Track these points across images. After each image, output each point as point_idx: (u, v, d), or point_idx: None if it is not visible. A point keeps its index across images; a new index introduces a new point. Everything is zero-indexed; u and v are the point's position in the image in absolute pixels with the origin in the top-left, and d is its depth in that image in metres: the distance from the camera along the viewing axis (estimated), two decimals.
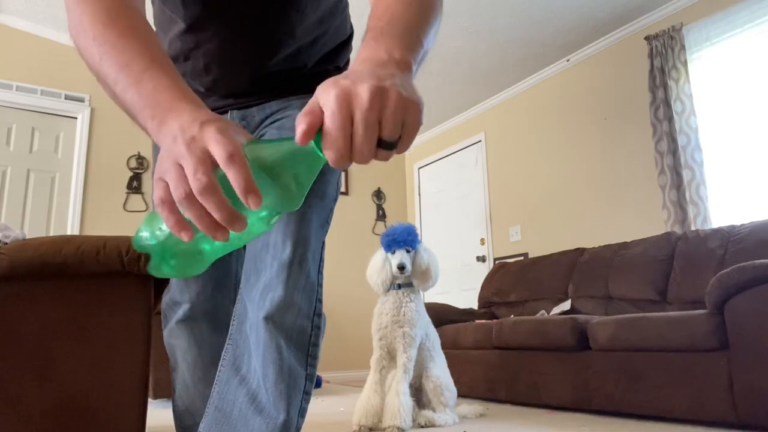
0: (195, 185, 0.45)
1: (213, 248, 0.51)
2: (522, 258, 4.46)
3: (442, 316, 3.70)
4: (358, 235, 5.57)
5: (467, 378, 3.33)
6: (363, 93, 0.46)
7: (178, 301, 1.09)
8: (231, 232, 0.48)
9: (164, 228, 0.49)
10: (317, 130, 0.46)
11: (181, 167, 0.47)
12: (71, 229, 4.16)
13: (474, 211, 5.14)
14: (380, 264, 2.56)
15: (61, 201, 4.22)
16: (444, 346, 2.85)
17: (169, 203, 0.48)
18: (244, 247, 0.97)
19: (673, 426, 2.30)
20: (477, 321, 3.61)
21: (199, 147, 0.47)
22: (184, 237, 0.47)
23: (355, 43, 1.10)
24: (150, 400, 3.29)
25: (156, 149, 1.03)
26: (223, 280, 1.08)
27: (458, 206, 5.34)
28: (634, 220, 3.74)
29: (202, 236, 0.48)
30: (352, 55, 0.93)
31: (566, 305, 3.50)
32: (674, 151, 3.45)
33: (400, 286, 2.55)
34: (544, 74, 4.54)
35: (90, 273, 1.29)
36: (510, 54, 4.31)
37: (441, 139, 5.66)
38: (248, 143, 0.49)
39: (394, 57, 0.54)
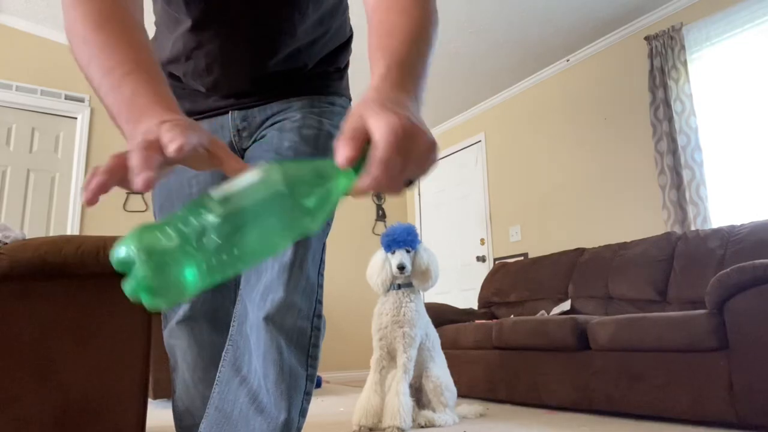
0: (142, 142, 0.48)
1: (196, 278, 0.45)
2: (522, 258, 4.46)
3: (442, 316, 3.70)
4: (358, 235, 5.57)
5: (467, 378, 3.34)
6: (419, 135, 0.48)
7: None
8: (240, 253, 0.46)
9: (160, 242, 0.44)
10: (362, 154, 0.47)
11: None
12: (71, 229, 4.16)
13: (474, 211, 5.14)
14: (380, 264, 2.56)
15: (61, 201, 4.22)
16: (444, 346, 2.85)
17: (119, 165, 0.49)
18: None
19: (673, 426, 2.30)
20: (477, 321, 3.61)
21: (153, 134, 0.49)
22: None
23: (356, 43, 1.10)
24: (150, 400, 3.29)
25: None
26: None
27: (458, 206, 5.34)
28: (634, 220, 3.74)
29: (188, 261, 0.44)
30: (361, 65, 0.92)
31: (566, 305, 3.50)
32: (674, 151, 3.45)
33: (400, 286, 2.55)
34: (544, 74, 4.54)
35: (90, 273, 1.30)
36: (510, 54, 4.31)
37: (441, 139, 5.66)
38: (277, 161, 0.49)
39: (413, 94, 0.56)
